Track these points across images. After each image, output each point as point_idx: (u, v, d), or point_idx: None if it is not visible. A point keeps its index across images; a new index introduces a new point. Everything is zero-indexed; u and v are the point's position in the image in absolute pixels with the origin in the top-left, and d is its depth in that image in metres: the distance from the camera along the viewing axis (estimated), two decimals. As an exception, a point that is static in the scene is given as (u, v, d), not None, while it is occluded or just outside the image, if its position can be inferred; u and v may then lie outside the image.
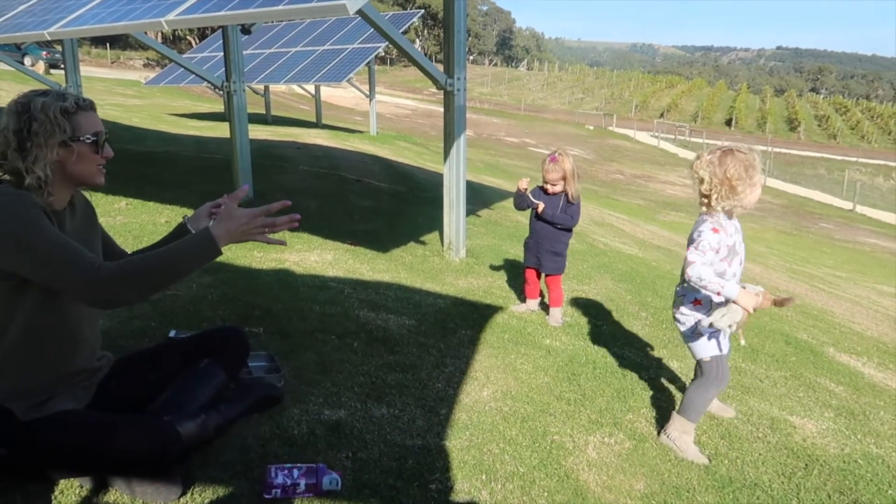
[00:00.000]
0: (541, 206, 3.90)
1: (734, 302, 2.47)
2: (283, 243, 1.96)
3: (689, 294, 2.68)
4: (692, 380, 2.82)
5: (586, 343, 3.78)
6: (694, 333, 2.68)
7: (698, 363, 2.74)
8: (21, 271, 1.75)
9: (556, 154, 3.85)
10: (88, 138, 1.87)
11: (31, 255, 1.72)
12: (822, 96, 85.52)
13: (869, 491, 2.56)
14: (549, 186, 3.88)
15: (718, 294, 2.47)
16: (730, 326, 2.50)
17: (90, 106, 1.91)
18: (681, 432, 2.71)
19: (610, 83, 71.51)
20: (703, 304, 2.65)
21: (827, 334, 5.15)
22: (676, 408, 2.81)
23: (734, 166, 2.50)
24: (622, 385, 3.23)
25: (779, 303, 2.52)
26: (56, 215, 1.86)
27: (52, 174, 1.82)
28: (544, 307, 4.24)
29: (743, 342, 2.73)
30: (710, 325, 2.54)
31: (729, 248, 2.55)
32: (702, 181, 2.56)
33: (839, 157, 40.45)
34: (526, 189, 3.91)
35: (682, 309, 2.71)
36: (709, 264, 2.49)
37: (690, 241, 2.57)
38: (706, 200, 2.57)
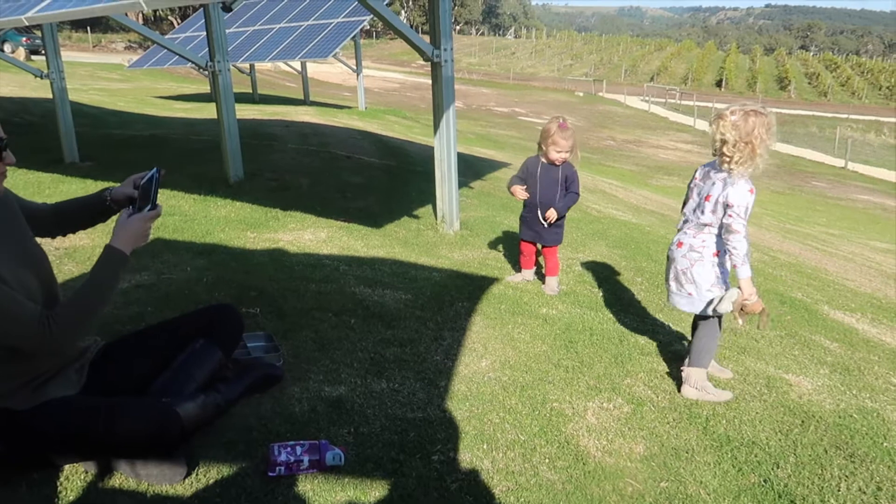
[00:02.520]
0: (550, 216, 3.81)
1: (739, 285, 2.59)
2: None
3: (708, 248, 2.73)
4: (695, 332, 2.91)
5: (583, 310, 3.79)
6: (713, 287, 2.74)
7: (702, 316, 2.83)
8: None
9: (564, 121, 3.74)
10: None
11: None
12: (811, 53, 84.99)
13: (865, 444, 2.60)
14: (563, 155, 3.74)
15: (735, 267, 2.59)
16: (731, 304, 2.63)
17: None
18: (703, 380, 2.83)
19: (599, 48, 70.83)
20: (721, 254, 2.73)
21: (821, 292, 5.19)
22: (686, 363, 2.88)
23: (758, 127, 2.54)
24: (619, 350, 3.25)
25: (762, 315, 2.64)
26: None
27: None
28: (540, 276, 4.25)
29: (741, 322, 2.73)
30: (714, 306, 2.67)
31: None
32: (725, 142, 2.57)
33: (830, 115, 40.29)
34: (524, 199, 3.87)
35: (699, 267, 2.75)
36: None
37: (727, 206, 2.59)
38: (727, 159, 2.61)
